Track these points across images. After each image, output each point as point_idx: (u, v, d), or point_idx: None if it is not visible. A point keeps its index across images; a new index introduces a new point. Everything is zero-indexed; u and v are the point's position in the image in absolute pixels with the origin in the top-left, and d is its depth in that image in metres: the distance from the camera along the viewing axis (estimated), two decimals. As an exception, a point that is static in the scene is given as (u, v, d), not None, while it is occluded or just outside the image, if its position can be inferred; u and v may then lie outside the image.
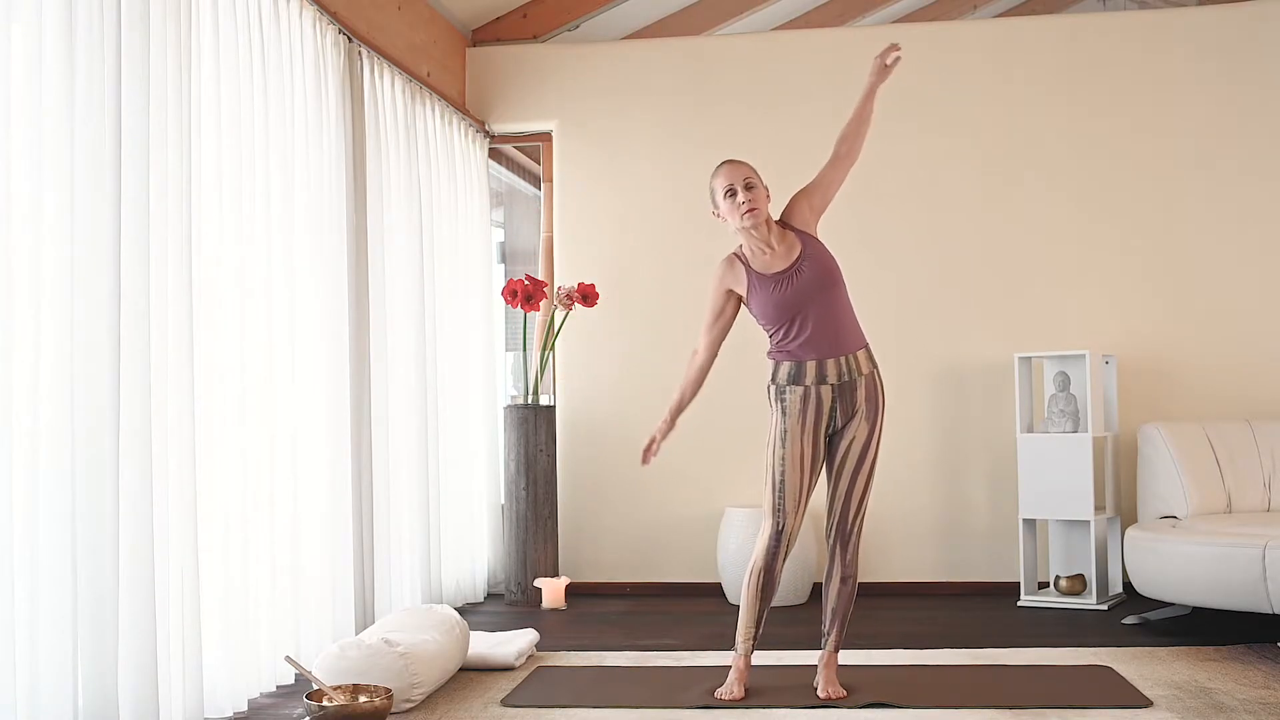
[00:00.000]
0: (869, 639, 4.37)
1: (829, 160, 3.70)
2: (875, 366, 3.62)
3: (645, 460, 3.73)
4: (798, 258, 3.55)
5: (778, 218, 3.65)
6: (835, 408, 3.54)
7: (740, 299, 3.64)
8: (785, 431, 3.54)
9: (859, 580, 3.64)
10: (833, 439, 3.58)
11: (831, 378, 3.53)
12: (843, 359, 3.53)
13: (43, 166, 2.86)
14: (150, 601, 3.06)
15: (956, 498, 5.62)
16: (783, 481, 3.53)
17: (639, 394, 5.80)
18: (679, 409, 3.71)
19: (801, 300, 3.52)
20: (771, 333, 3.60)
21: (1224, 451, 4.99)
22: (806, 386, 3.53)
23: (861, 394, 3.55)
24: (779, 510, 3.54)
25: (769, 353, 3.62)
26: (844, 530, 3.57)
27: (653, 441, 3.70)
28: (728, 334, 3.70)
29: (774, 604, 5.15)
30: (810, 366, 3.52)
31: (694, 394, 3.72)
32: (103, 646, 2.93)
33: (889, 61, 3.72)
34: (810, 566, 5.37)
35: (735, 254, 3.64)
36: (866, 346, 3.61)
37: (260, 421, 3.72)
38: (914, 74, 5.75)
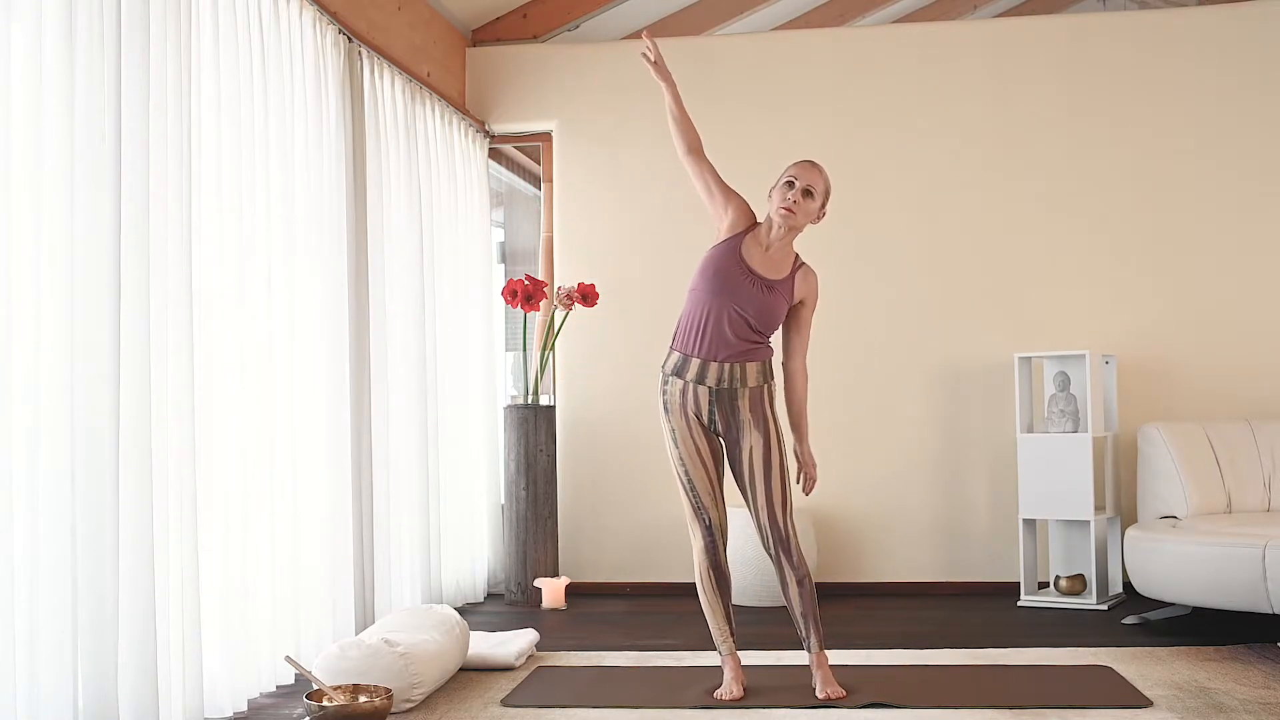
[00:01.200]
0: (869, 639, 4.37)
1: (802, 357, 3.69)
2: (768, 380, 3.59)
3: (651, 54, 3.71)
4: (774, 282, 3.57)
5: (798, 259, 3.64)
6: (713, 410, 3.56)
7: (718, 221, 3.64)
8: (673, 430, 3.58)
9: (829, 578, 3.63)
10: (732, 455, 3.59)
11: (710, 380, 3.55)
12: (727, 365, 3.54)
13: (43, 166, 2.86)
14: (150, 601, 3.06)
15: (956, 498, 5.62)
16: (690, 481, 3.57)
17: (639, 394, 5.79)
18: (674, 90, 3.73)
19: (736, 299, 3.53)
20: (688, 304, 3.60)
21: (1224, 451, 4.99)
22: (686, 381, 3.56)
23: (744, 404, 3.56)
24: (699, 509, 3.58)
25: (672, 339, 3.64)
26: (779, 535, 3.56)
27: (655, 53, 3.70)
28: (696, 181, 3.68)
29: (769, 605, 5.17)
30: (694, 364, 3.55)
31: (677, 113, 3.71)
32: (103, 646, 2.93)
33: (802, 487, 3.71)
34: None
35: (757, 221, 3.65)
36: (764, 361, 3.59)
37: (260, 421, 3.72)
38: (914, 74, 5.78)
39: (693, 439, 3.57)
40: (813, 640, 3.56)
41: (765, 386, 3.59)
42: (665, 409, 3.61)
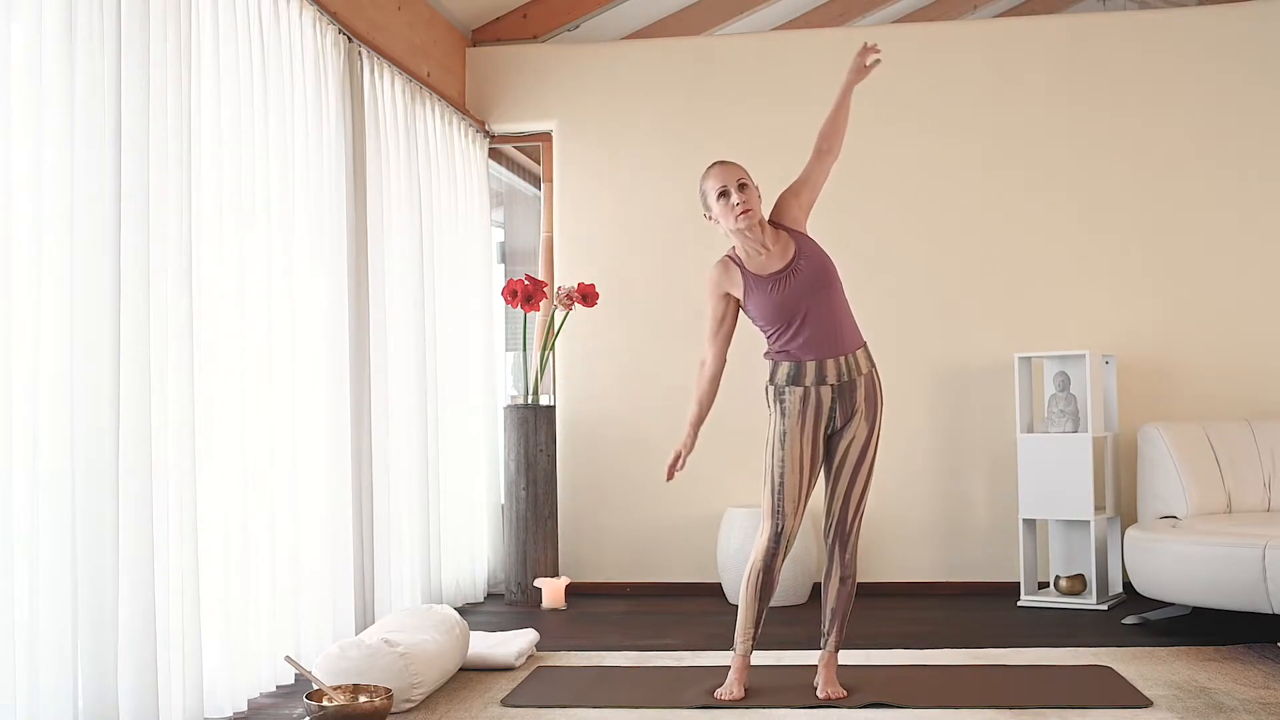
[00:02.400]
0: (869, 639, 4.36)
1: (812, 156, 3.67)
2: (873, 365, 3.61)
3: (670, 476, 3.65)
4: (794, 257, 3.53)
5: (767, 217, 3.62)
6: (835, 408, 3.54)
7: (738, 302, 3.61)
8: (784, 433, 3.53)
9: (858, 580, 3.64)
10: (831, 439, 3.58)
11: (831, 378, 3.52)
12: (842, 359, 3.53)
13: (43, 166, 2.86)
14: (150, 601, 3.06)
15: (956, 498, 5.62)
16: (782, 483, 3.52)
17: (639, 394, 5.80)
18: (698, 422, 3.67)
19: (799, 300, 3.51)
20: (769, 333, 3.58)
21: (1224, 451, 4.99)
22: (806, 387, 3.52)
23: (861, 394, 3.55)
24: (778, 512, 3.53)
25: (766, 353, 3.60)
26: (843, 530, 3.57)
27: (677, 457, 3.64)
28: (732, 338, 3.67)
29: (774, 604, 5.17)
30: (810, 367, 3.52)
31: (710, 404, 3.68)
32: (103, 646, 2.93)
33: (868, 63, 3.71)
34: (810, 567, 5.37)
35: (729, 256, 3.61)
36: (864, 345, 3.61)
37: (260, 421, 3.72)
38: (914, 74, 5.78)
39: (802, 447, 3.52)
40: (831, 639, 3.57)
41: (874, 371, 3.60)
42: (783, 413, 3.53)
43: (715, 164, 3.59)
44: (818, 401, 3.52)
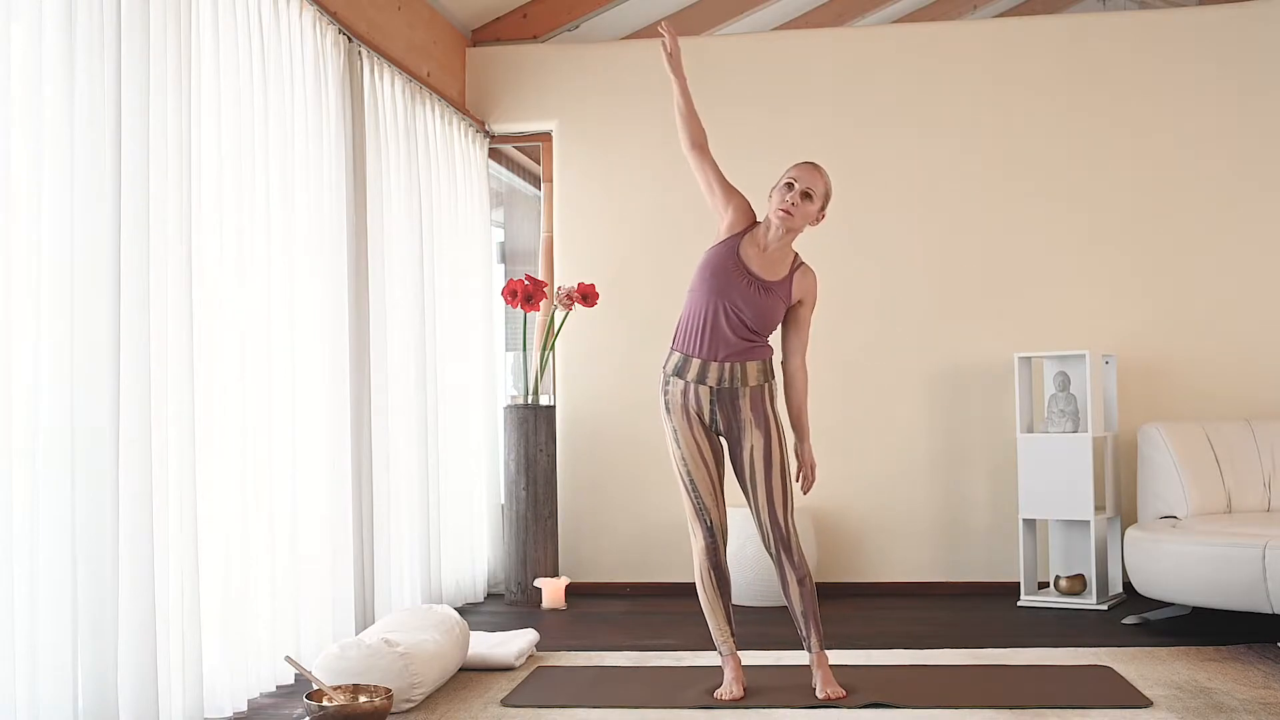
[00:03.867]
0: (869, 639, 4.37)
1: (801, 355, 3.69)
2: (769, 379, 3.60)
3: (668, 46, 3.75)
4: (770, 283, 3.57)
5: (797, 259, 3.64)
6: (714, 410, 3.56)
7: (719, 218, 3.64)
8: (675, 430, 3.59)
9: (829, 578, 3.63)
10: (734, 454, 3.59)
11: (711, 380, 3.55)
12: (728, 365, 3.54)
13: (43, 166, 2.86)
14: (150, 601, 3.06)
15: (956, 497, 5.62)
16: (693, 481, 3.57)
17: (639, 394, 5.79)
18: (683, 83, 3.80)
19: (735, 299, 3.53)
20: (688, 303, 3.60)
21: (1224, 451, 4.99)
22: (686, 381, 3.57)
23: (745, 403, 3.56)
24: (701, 510, 3.58)
25: (673, 337, 3.65)
26: (780, 535, 3.56)
27: (673, 43, 3.75)
28: (699, 177, 3.70)
29: (769, 605, 5.17)
30: (695, 364, 3.56)
31: (685, 106, 3.77)
32: (103, 646, 2.93)
33: (801, 485, 3.70)
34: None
35: (757, 221, 3.65)
36: (765, 360, 3.59)
37: (260, 421, 3.72)
38: (913, 74, 5.78)
39: (694, 439, 3.57)
40: (813, 640, 3.56)
41: (766, 385, 3.59)
42: (667, 409, 3.61)
43: (808, 163, 3.63)
44: (696, 398, 3.56)
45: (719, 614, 3.61)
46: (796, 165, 3.62)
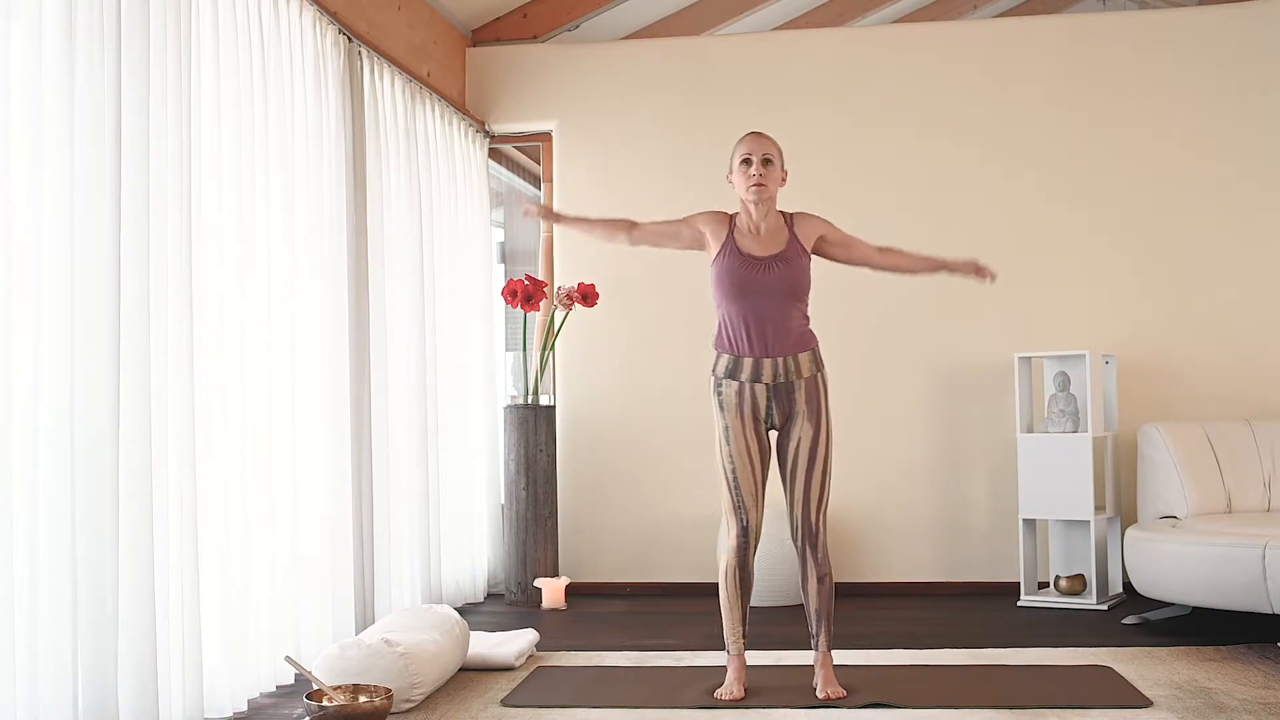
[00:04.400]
0: (869, 639, 4.37)
1: (869, 245, 3.70)
2: (820, 369, 3.60)
3: (526, 213, 3.84)
4: (777, 254, 3.57)
5: (792, 210, 3.65)
6: (771, 406, 3.55)
7: (705, 246, 3.65)
8: (726, 428, 3.56)
9: (834, 578, 3.64)
10: (781, 442, 3.59)
11: (766, 377, 3.54)
12: (780, 360, 3.54)
13: (43, 166, 2.86)
14: (150, 601, 3.06)
15: (956, 497, 5.62)
16: (736, 479, 3.55)
17: (639, 394, 5.80)
18: (572, 218, 3.83)
19: (757, 292, 3.53)
20: (720, 312, 3.60)
21: (1224, 451, 4.99)
22: (741, 383, 3.55)
23: (801, 395, 3.55)
24: (739, 508, 3.56)
25: (714, 341, 3.64)
26: (809, 531, 3.56)
27: (536, 206, 3.85)
28: (660, 244, 3.74)
29: (773, 604, 5.17)
30: (747, 364, 3.54)
31: (598, 227, 3.78)
32: (103, 646, 2.93)
33: (982, 280, 3.76)
34: (810, 566, 5.37)
35: (730, 214, 3.66)
36: (813, 348, 3.60)
37: (260, 421, 3.72)
38: (913, 74, 5.78)
39: (745, 439, 3.54)
40: (822, 639, 3.57)
41: (818, 375, 3.59)
42: (720, 408, 3.57)
43: (751, 132, 3.64)
44: (753, 397, 3.55)
45: (735, 613, 3.60)
46: (742, 140, 3.63)
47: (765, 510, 3.62)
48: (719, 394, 3.59)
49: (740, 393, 3.55)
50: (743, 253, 3.57)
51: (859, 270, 5.62)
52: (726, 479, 3.57)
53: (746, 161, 3.57)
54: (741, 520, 3.56)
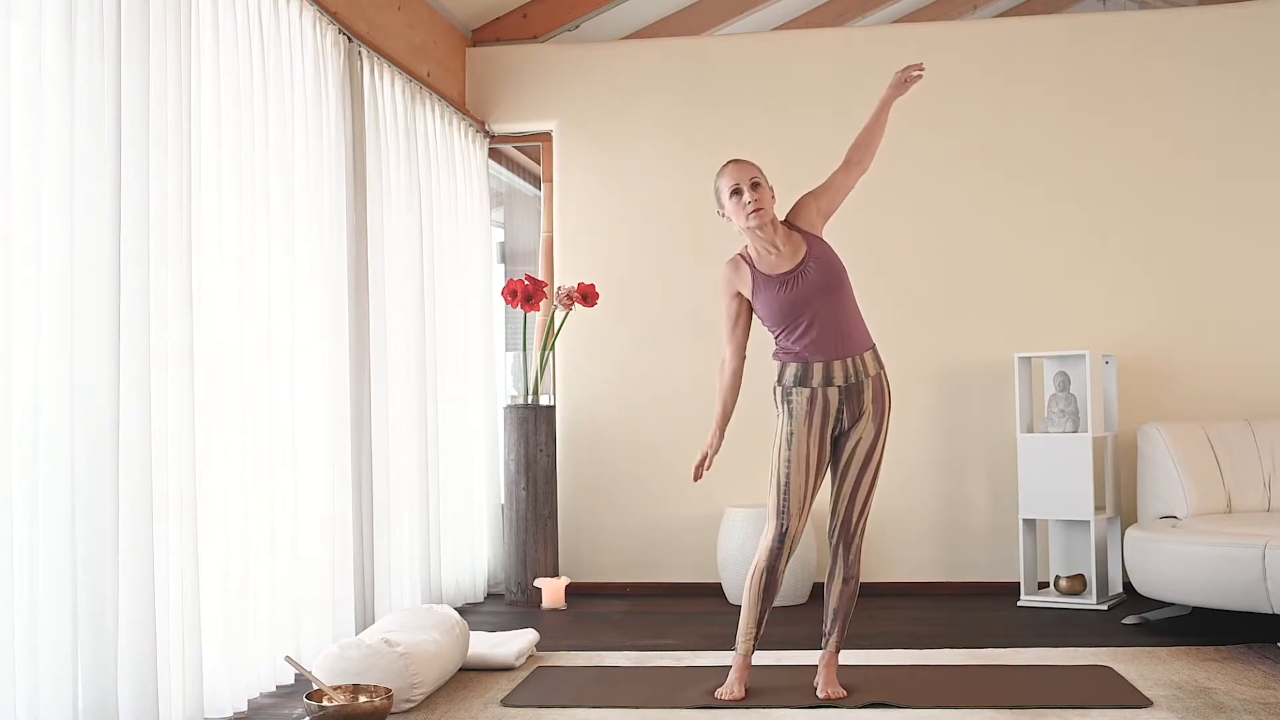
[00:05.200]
0: (869, 639, 4.37)
1: (840, 166, 3.70)
2: (882, 367, 3.61)
3: (697, 476, 3.68)
4: (804, 258, 3.54)
5: (784, 217, 3.64)
6: (842, 410, 3.54)
7: (747, 299, 3.62)
8: (791, 434, 3.53)
9: (860, 581, 3.64)
10: (838, 440, 3.58)
11: (838, 379, 3.52)
12: (849, 360, 3.53)
13: (43, 166, 2.86)
14: (150, 601, 3.06)
15: (956, 498, 5.62)
16: (787, 484, 3.52)
17: (639, 394, 5.80)
18: (724, 420, 3.68)
19: (808, 300, 3.51)
20: (777, 334, 3.59)
21: (1224, 451, 4.99)
22: (813, 388, 3.52)
23: (868, 395, 3.54)
24: (783, 512, 3.53)
25: (774, 354, 3.61)
26: (847, 531, 3.57)
27: (704, 458, 3.66)
28: (749, 333, 3.67)
29: (775, 604, 5.16)
30: (817, 368, 3.52)
31: (734, 401, 3.68)
32: (103, 646, 2.93)
33: (909, 78, 3.71)
34: (811, 567, 5.37)
35: (740, 255, 3.63)
36: (873, 347, 3.61)
37: (260, 421, 3.72)
38: (914, 74, 5.77)
39: (807, 447, 3.52)
40: (833, 639, 3.58)
41: (882, 373, 3.59)
42: (790, 415, 3.53)
43: (730, 162, 3.61)
44: (825, 403, 3.52)
45: (753, 615, 3.58)
46: (722, 173, 3.58)
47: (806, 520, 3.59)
48: (788, 402, 3.54)
49: (813, 399, 3.52)
50: (773, 278, 3.55)
51: (858, 271, 5.63)
52: (778, 481, 3.53)
53: (737, 192, 3.53)
54: (782, 525, 3.53)
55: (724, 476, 5.64)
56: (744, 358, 3.68)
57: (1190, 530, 4.47)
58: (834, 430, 3.55)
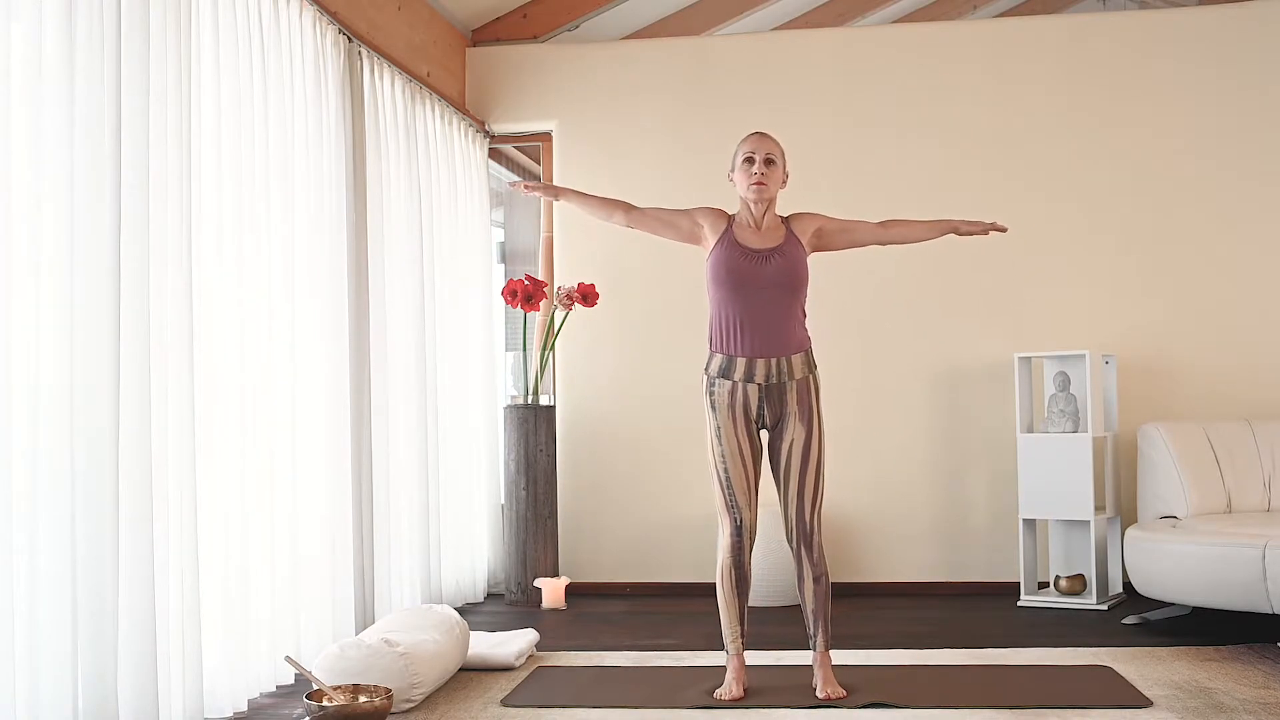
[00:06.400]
0: (869, 639, 4.37)
1: (872, 223, 3.74)
2: (812, 370, 3.62)
3: (518, 187, 3.93)
4: (775, 248, 3.59)
5: (787, 213, 3.67)
6: (762, 406, 3.57)
7: (701, 240, 3.67)
8: (718, 427, 3.58)
9: (833, 578, 3.64)
10: (773, 443, 3.60)
11: (759, 378, 3.55)
12: (774, 360, 3.55)
13: (43, 166, 2.86)
14: (150, 601, 3.06)
15: (956, 498, 5.62)
16: (728, 478, 3.57)
17: (639, 394, 5.80)
18: (579, 195, 3.89)
19: (757, 283, 3.55)
20: (714, 310, 3.61)
21: (1224, 451, 4.99)
22: (734, 382, 3.56)
23: (792, 397, 3.56)
24: (732, 506, 3.57)
25: (709, 337, 3.65)
26: (804, 531, 3.58)
27: (536, 184, 3.92)
28: (656, 231, 3.77)
29: (772, 604, 5.17)
30: (740, 363, 3.56)
31: (597, 202, 3.85)
32: (103, 646, 2.93)
33: (983, 230, 3.72)
34: (810, 566, 5.37)
35: (731, 213, 3.70)
36: (807, 350, 3.62)
37: (260, 421, 3.72)
38: (913, 74, 5.78)
39: (736, 437, 3.56)
40: (819, 639, 3.57)
41: (810, 377, 3.60)
42: (712, 407, 3.59)
43: (756, 132, 3.69)
44: (745, 398, 3.56)
45: (733, 613, 3.60)
46: (746, 138, 3.67)
47: (760, 510, 3.62)
48: (711, 393, 3.60)
49: (732, 392, 3.56)
50: (740, 245, 3.59)
51: (859, 270, 5.65)
52: (719, 478, 3.58)
53: (749, 160, 3.60)
54: (735, 519, 3.57)
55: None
56: (631, 223, 3.78)
57: (1190, 530, 4.47)
58: (758, 423, 3.59)
